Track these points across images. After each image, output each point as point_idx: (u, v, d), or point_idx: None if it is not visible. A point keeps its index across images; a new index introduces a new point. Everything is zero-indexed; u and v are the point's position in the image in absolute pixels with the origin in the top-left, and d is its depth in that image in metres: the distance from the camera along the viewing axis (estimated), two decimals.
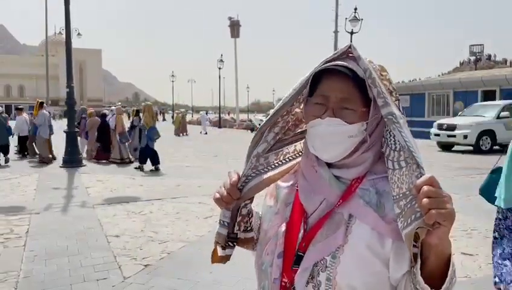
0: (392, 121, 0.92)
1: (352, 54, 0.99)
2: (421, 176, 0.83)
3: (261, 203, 1.17)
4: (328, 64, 0.98)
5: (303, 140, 1.09)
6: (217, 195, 1.05)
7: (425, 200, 0.77)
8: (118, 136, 12.55)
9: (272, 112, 1.08)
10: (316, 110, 0.99)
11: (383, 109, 0.93)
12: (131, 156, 12.97)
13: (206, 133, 28.82)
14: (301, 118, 1.11)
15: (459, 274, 4.18)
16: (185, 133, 27.66)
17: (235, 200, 1.04)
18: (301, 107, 1.08)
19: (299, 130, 1.13)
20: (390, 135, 0.94)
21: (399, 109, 0.97)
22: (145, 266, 4.44)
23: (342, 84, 0.97)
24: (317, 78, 1.01)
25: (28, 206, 7.05)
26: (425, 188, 0.78)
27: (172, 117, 30.14)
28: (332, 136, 0.97)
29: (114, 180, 9.76)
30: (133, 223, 6.10)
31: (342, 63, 0.97)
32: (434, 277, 0.84)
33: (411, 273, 0.88)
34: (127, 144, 12.90)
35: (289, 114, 1.10)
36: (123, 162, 12.75)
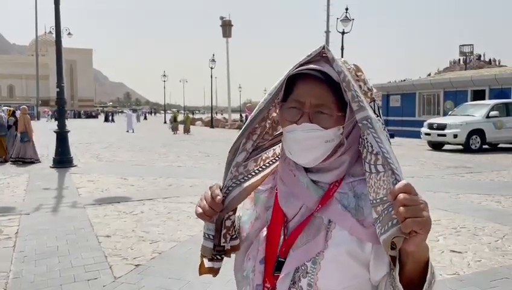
0: (366, 127, 0.90)
1: (326, 54, 0.96)
2: (396, 183, 0.82)
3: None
4: (302, 67, 0.95)
5: (281, 143, 1.07)
6: (199, 209, 1.02)
7: (401, 208, 0.76)
8: (20, 134, 12.65)
9: (248, 119, 1.05)
10: (291, 115, 0.97)
11: (358, 113, 0.91)
12: (38, 157, 13.05)
13: (133, 132, 30.11)
14: (278, 120, 1.08)
15: (448, 271, 4.25)
16: (187, 133, 29.20)
17: (218, 213, 1.02)
18: (277, 111, 1.05)
19: (276, 133, 1.10)
20: (367, 140, 0.92)
21: (375, 111, 0.95)
22: (136, 265, 4.43)
23: (316, 89, 0.95)
24: (292, 81, 0.98)
25: (17, 207, 6.99)
26: (401, 195, 0.77)
27: (173, 117, 31.20)
28: (309, 142, 0.95)
29: (105, 180, 9.70)
30: (124, 223, 6.08)
31: (316, 66, 0.94)
32: (413, 279, 0.85)
33: (391, 276, 0.88)
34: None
35: (266, 120, 1.07)
36: (24, 161, 12.55)
